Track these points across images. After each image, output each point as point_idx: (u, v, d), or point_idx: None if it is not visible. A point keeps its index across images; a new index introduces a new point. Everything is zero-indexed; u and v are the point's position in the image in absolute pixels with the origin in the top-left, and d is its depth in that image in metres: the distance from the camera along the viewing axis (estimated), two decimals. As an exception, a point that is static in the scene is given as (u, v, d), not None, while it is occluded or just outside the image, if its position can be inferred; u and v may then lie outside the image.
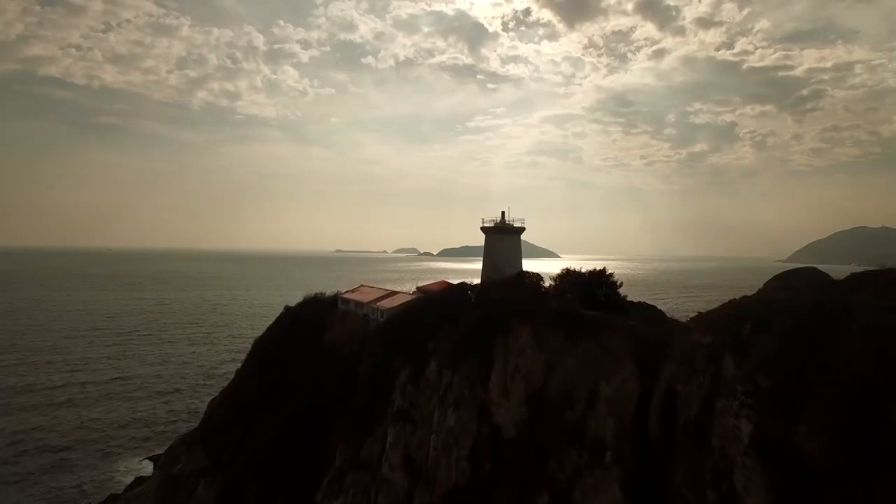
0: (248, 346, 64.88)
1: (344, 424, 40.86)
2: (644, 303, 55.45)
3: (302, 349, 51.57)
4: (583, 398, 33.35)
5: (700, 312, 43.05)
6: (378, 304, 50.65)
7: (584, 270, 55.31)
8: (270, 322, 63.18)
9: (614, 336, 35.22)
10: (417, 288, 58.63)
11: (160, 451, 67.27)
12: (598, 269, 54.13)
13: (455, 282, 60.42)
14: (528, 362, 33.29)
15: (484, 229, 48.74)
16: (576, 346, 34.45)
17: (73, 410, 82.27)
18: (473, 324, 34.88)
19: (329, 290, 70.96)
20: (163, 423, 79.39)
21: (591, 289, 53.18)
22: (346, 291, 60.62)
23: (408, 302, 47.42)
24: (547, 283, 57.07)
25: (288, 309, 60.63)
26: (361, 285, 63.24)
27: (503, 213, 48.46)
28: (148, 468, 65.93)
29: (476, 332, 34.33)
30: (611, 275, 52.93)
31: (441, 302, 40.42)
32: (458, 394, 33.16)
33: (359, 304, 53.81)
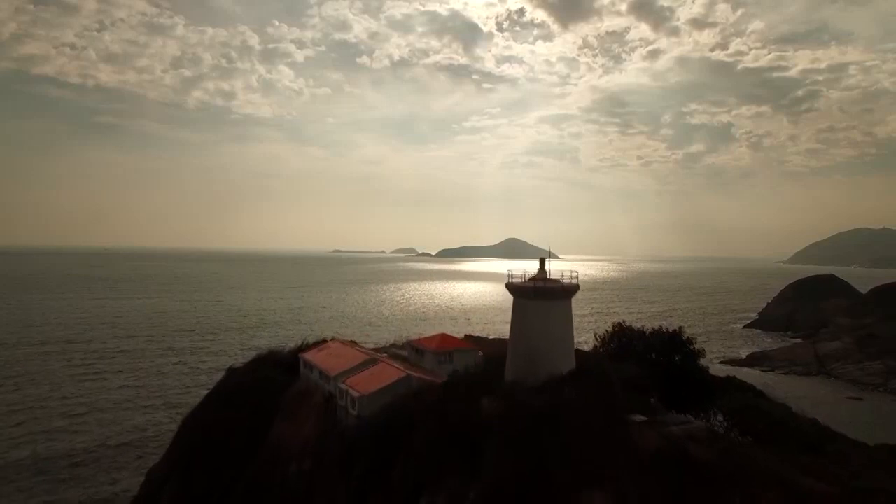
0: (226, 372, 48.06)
1: None
2: (734, 378, 39.40)
3: (239, 446, 35.56)
4: None
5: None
6: (349, 381, 34.76)
7: (645, 329, 39.68)
8: (234, 365, 46.45)
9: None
10: (409, 342, 43.51)
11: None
12: (669, 329, 38.42)
13: (456, 332, 44.89)
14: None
15: (511, 288, 29.86)
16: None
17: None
18: (500, 486, 18.85)
19: (298, 335, 54.98)
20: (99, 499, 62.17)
21: (661, 355, 37.56)
22: (312, 348, 44.67)
23: (389, 388, 31.44)
24: (591, 343, 41.53)
25: (231, 372, 44.33)
26: (334, 338, 47.53)
27: (542, 260, 29.66)
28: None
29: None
30: (689, 340, 37.15)
31: (441, 416, 24.30)
32: None
33: (324, 374, 37.96)
